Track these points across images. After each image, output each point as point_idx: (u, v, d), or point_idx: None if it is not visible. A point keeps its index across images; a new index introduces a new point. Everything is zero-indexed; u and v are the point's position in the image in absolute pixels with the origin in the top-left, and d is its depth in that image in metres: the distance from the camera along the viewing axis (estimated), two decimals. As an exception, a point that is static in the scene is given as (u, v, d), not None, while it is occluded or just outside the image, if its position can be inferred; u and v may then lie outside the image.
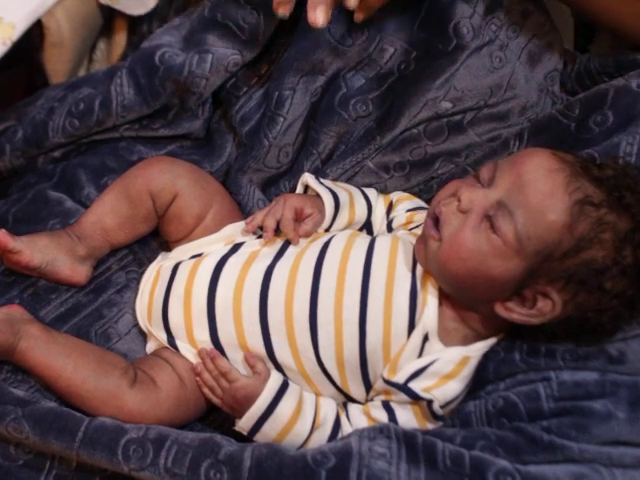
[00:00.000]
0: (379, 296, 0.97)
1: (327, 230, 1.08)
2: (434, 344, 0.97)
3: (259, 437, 0.97)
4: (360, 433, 0.89)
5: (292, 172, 1.19)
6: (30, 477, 0.93)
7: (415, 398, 0.95)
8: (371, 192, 1.14)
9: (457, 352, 0.96)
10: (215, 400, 1.00)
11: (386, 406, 0.97)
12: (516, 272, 0.90)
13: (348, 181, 1.16)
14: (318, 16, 0.98)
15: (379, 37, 1.13)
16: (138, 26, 1.42)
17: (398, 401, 0.96)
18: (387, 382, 0.96)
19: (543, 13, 1.17)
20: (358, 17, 1.07)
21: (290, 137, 1.17)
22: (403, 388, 0.95)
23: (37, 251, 1.03)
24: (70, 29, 1.25)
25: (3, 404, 0.92)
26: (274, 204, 1.07)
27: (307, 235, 1.05)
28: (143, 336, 1.08)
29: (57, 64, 1.30)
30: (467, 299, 0.96)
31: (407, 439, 0.88)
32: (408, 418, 0.96)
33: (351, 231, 1.08)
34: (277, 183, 1.20)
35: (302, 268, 1.01)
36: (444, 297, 0.97)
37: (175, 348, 1.03)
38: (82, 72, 1.43)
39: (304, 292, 0.99)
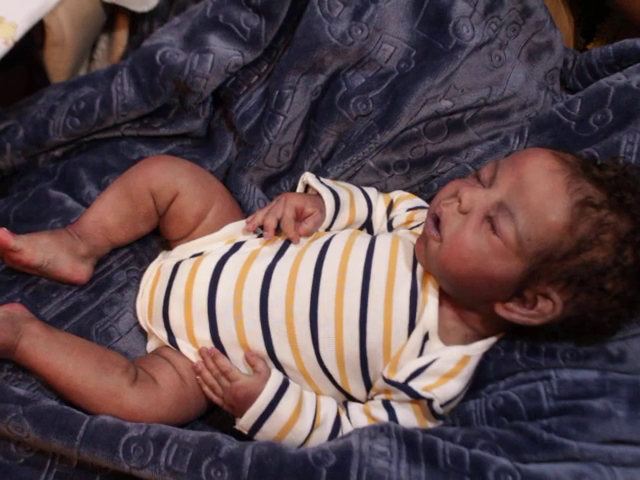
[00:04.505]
0: (379, 295, 0.97)
1: (328, 229, 1.09)
2: (434, 343, 0.97)
3: (259, 436, 0.97)
4: (360, 432, 0.90)
5: (292, 171, 1.19)
6: (31, 475, 0.93)
7: (415, 397, 0.95)
8: (371, 191, 1.14)
9: (457, 351, 0.96)
10: (215, 399, 1.00)
11: (386, 405, 0.97)
12: (516, 273, 0.91)
13: (348, 180, 1.16)
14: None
15: (379, 36, 1.13)
16: (139, 25, 1.42)
17: (398, 400, 0.96)
18: (387, 381, 0.96)
19: (543, 11, 1.17)
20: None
21: (290, 136, 1.17)
22: (403, 387, 0.95)
23: (38, 250, 1.03)
24: (71, 28, 1.26)
25: (4, 402, 0.92)
26: (275, 203, 1.07)
27: (308, 234, 1.05)
28: (144, 335, 1.08)
29: (58, 63, 1.30)
30: (467, 299, 0.96)
31: (407, 438, 0.88)
32: (408, 417, 0.96)
33: (351, 230, 1.08)
34: (277, 182, 1.20)
35: (302, 267, 1.01)
36: (444, 297, 0.97)
37: (176, 347, 1.03)
38: (83, 71, 1.43)
39: (304, 291, 0.99)
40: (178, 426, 0.96)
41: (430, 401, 0.94)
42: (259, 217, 1.06)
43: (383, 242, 1.02)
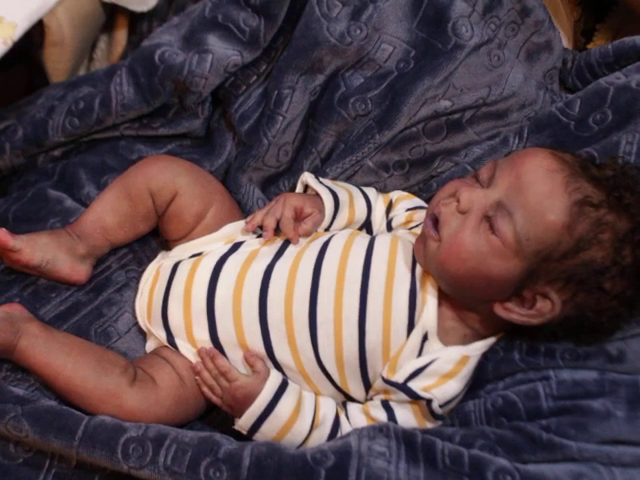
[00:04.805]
0: (379, 295, 0.97)
1: (327, 229, 1.08)
2: (433, 343, 0.97)
3: (258, 436, 0.97)
4: (359, 432, 0.90)
5: (291, 171, 1.19)
6: (30, 475, 0.93)
7: (414, 397, 0.95)
8: (370, 191, 1.14)
9: (456, 351, 0.96)
10: (214, 399, 1.00)
11: (385, 405, 0.97)
12: (515, 272, 0.90)
13: (348, 180, 1.16)
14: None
15: (378, 36, 1.13)
16: (138, 25, 1.42)
17: (397, 400, 0.96)
18: (386, 381, 0.96)
19: (542, 11, 1.17)
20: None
21: (289, 136, 1.17)
22: (402, 387, 0.95)
23: (37, 250, 1.03)
24: (71, 28, 1.26)
25: (3, 402, 0.92)
26: (274, 203, 1.07)
27: (307, 234, 1.05)
28: (143, 335, 1.08)
29: (57, 63, 1.30)
30: (466, 299, 0.96)
31: (406, 438, 0.88)
32: (407, 417, 0.96)
33: (351, 230, 1.08)
34: (277, 182, 1.20)
35: (302, 267, 1.01)
36: (443, 297, 0.97)
37: (175, 347, 1.03)
38: (82, 71, 1.43)
39: (303, 291, 0.99)
40: (177, 426, 0.96)
41: (429, 401, 0.94)
42: (258, 217, 1.06)
43: (382, 242, 1.02)
